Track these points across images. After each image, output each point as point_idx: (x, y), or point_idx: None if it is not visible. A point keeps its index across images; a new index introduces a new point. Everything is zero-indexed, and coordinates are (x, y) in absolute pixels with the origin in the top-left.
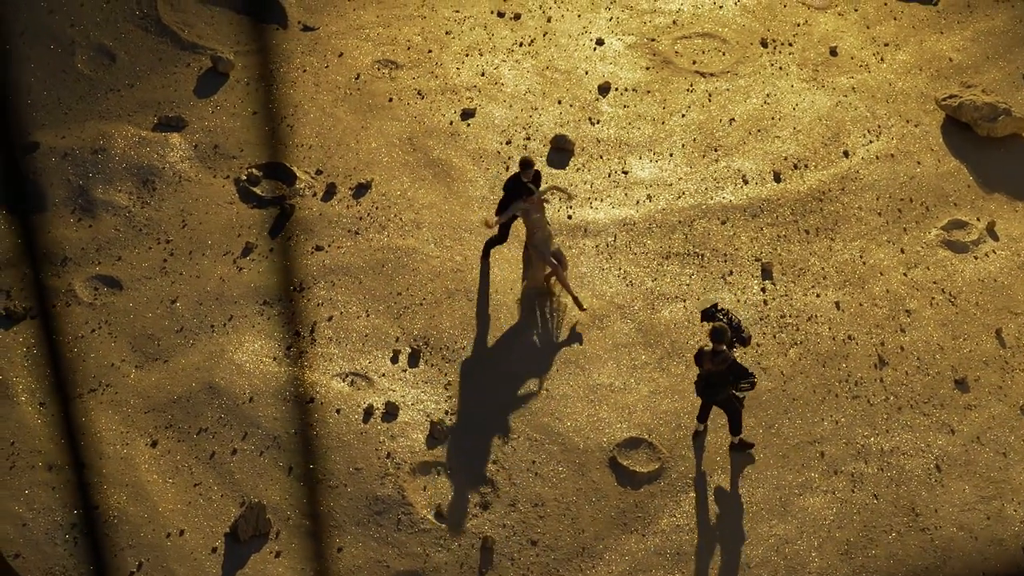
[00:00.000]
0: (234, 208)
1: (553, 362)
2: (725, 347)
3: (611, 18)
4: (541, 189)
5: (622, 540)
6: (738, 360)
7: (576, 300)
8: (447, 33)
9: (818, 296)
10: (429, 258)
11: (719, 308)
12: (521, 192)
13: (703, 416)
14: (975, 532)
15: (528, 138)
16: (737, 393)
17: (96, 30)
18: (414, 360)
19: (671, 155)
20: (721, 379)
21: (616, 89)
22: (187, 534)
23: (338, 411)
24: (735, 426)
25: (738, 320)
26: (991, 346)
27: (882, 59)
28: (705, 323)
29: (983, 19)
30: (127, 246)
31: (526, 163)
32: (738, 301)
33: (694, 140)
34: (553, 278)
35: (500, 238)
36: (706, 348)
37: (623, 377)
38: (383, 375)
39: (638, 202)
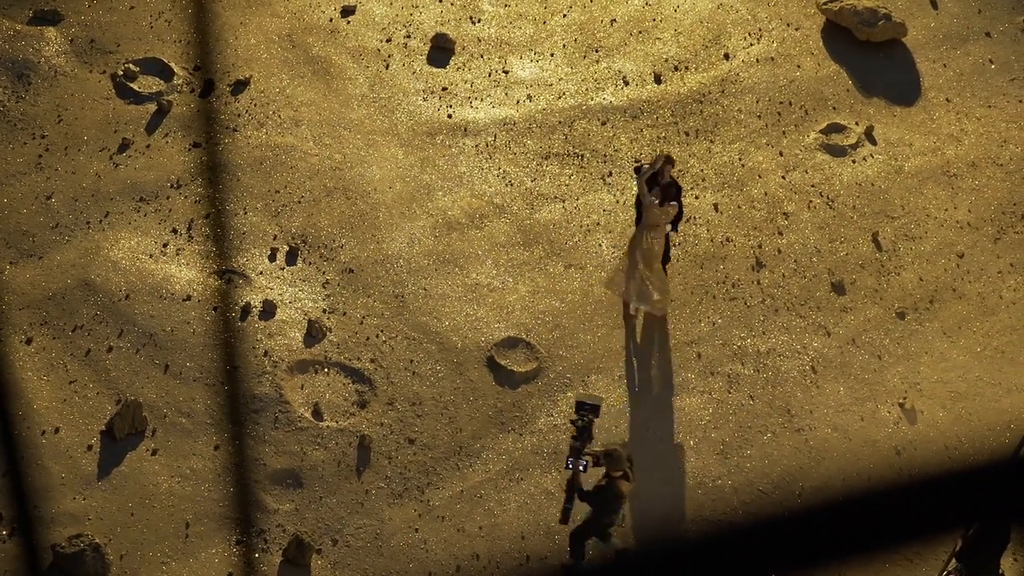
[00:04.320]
0: (111, 104)
1: (432, 261)
2: None
3: None
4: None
5: (499, 439)
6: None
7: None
8: None
9: (697, 198)
10: (308, 156)
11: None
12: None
13: None
14: (849, 433)
15: (408, 36)
16: None
17: None
18: (292, 258)
19: (552, 55)
20: None
21: None
22: (62, 432)
23: (215, 309)
24: None
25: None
26: (867, 249)
27: None
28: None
29: None
30: (1, 141)
31: (666, 160)
32: (617, 202)
33: (575, 40)
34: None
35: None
36: None
37: (501, 276)
38: (260, 273)
39: (518, 102)
